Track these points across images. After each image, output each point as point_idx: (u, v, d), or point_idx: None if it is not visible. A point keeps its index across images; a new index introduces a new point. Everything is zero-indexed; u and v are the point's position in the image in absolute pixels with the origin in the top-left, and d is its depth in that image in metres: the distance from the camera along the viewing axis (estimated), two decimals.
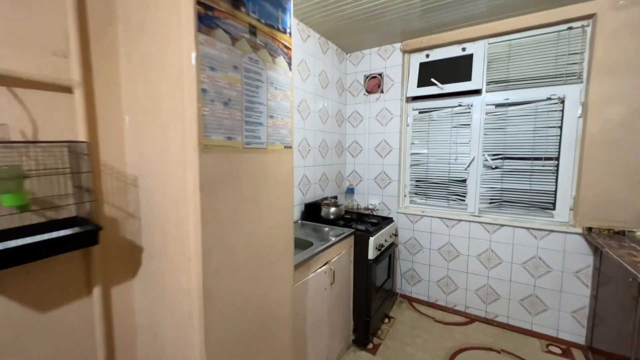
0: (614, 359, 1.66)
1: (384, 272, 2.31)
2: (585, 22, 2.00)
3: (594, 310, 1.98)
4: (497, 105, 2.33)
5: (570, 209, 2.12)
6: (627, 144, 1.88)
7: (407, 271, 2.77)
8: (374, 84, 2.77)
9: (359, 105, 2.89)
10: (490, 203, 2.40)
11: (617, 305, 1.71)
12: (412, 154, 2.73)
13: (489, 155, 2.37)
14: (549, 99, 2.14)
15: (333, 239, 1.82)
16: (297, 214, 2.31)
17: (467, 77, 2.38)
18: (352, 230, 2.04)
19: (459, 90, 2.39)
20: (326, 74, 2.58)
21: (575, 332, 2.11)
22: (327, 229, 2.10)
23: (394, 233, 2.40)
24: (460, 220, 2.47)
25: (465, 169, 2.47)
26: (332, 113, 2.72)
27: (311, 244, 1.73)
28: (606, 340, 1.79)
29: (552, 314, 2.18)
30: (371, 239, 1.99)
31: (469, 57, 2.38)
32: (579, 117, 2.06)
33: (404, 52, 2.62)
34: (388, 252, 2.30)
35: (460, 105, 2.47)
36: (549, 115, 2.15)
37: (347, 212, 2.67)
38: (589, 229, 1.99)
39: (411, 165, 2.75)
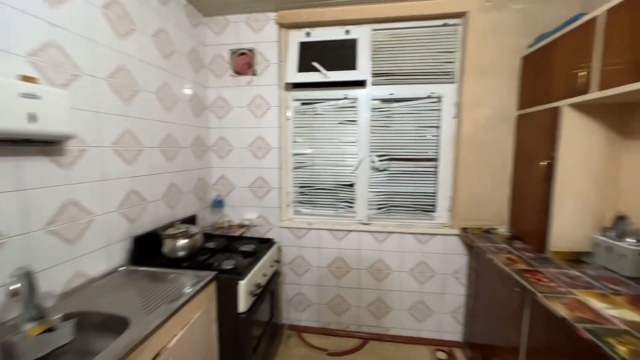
0: (486, 349, 1.66)
1: (265, 312, 1.72)
2: (458, 20, 1.97)
3: (469, 307, 2.02)
4: (383, 101, 2.10)
5: (448, 210, 2.11)
6: (490, 146, 1.94)
7: (295, 296, 2.29)
8: (244, 62, 2.11)
9: (225, 89, 2.16)
10: (379, 209, 2.18)
11: (487, 298, 1.71)
12: (295, 154, 2.24)
13: (376, 155, 2.13)
14: (429, 97, 2.04)
15: (177, 303, 1.08)
16: (120, 255, 1.41)
17: (353, 65, 2.05)
18: (212, 274, 1.34)
19: (344, 79, 2.03)
20: (169, 36, 1.73)
21: (454, 330, 2.13)
22: (172, 275, 1.33)
23: (276, 259, 1.85)
24: (350, 231, 2.16)
25: (354, 172, 2.16)
26: (184, 97, 1.90)
27: (126, 324, 0.95)
28: (479, 333, 1.81)
29: (436, 318, 2.14)
30: (241, 284, 1.35)
31: (354, 43, 2.06)
32: (454, 117, 2.03)
33: (281, 25, 2.07)
34: (269, 288, 1.72)
35: (346, 98, 2.13)
36: (429, 115, 2.06)
37: (210, 236, 1.93)
38: (464, 229, 2.00)
39: (294, 168, 2.26)
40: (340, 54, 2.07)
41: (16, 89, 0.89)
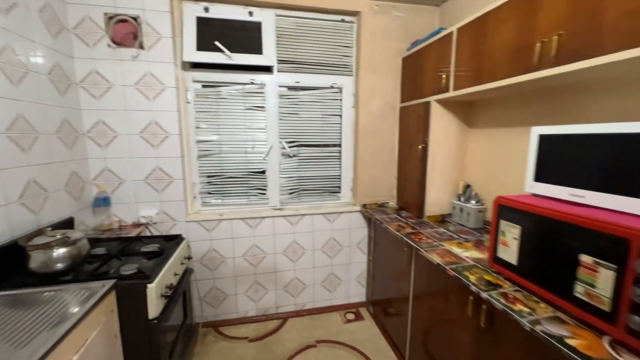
0: (384, 302, 2.03)
1: (178, 314, 1.58)
2: (353, 19, 2.17)
3: (370, 270, 2.37)
4: (290, 88, 2.15)
5: (351, 190, 2.38)
6: (382, 133, 2.28)
7: (209, 292, 2.17)
8: (126, 32, 1.77)
9: (101, 62, 1.77)
10: (291, 193, 2.27)
11: (383, 261, 2.07)
12: (200, 141, 2.07)
13: (286, 142, 2.18)
14: (332, 87, 2.21)
15: (63, 326, 0.89)
16: None
17: (259, 50, 2.00)
18: (109, 283, 1.14)
19: (250, 63, 1.97)
20: None
21: (359, 293, 2.47)
22: (49, 293, 1.06)
23: (187, 256, 1.70)
24: (263, 218, 2.17)
25: (264, 159, 2.16)
26: (39, 67, 1.46)
27: None
28: (379, 291, 2.18)
29: (344, 285, 2.43)
30: (150, 288, 1.20)
31: (258, 26, 2.00)
32: (353, 107, 2.27)
33: None
34: (182, 288, 1.59)
35: (252, 83, 2.07)
36: (333, 104, 2.23)
37: (98, 241, 1.61)
38: (364, 206, 2.31)
39: (199, 156, 2.08)
40: (244, 37, 1.99)
41: None
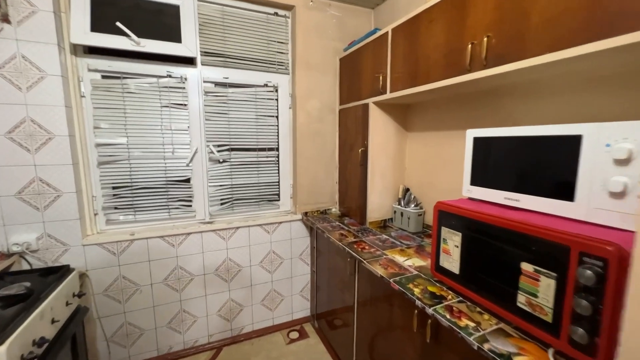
0: (329, 314, 1.91)
1: None
2: (287, 12, 2.02)
3: (314, 282, 2.23)
4: (217, 84, 1.89)
5: (291, 197, 2.21)
6: (322, 136, 2.16)
7: (118, 330, 1.76)
8: None
9: None
10: (222, 204, 1.99)
11: (327, 271, 1.95)
12: (100, 144, 1.67)
13: (214, 146, 1.91)
14: (266, 85, 2.01)
15: None
16: None
17: (176, 37, 1.71)
18: None
19: (164, 52, 1.66)
20: None
21: (303, 307, 2.30)
22: None
23: (78, 292, 1.31)
24: (189, 234, 1.86)
25: (188, 165, 1.86)
26: None
27: None
28: (323, 303, 2.04)
29: (287, 301, 2.24)
30: None
31: (175, 10, 1.71)
32: (290, 108, 2.11)
33: None
34: (67, 335, 1.20)
35: (170, 77, 1.76)
36: (268, 104, 2.04)
37: None
38: (305, 214, 2.15)
39: (100, 163, 1.68)
40: (159, 22, 1.67)
41: None
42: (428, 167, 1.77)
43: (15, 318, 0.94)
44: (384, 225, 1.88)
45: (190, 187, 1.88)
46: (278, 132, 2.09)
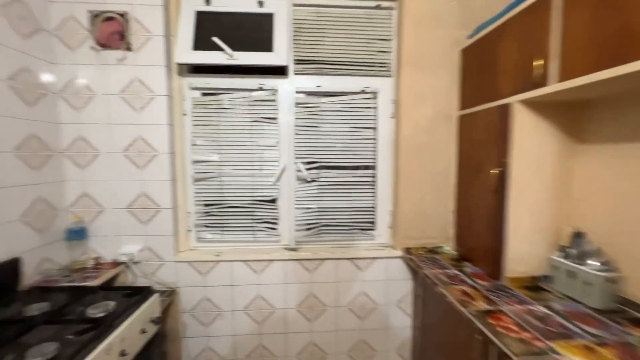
0: None
1: None
2: (392, 4, 1.67)
3: (416, 342, 1.70)
4: (309, 94, 1.68)
5: (390, 227, 1.78)
6: (432, 151, 1.67)
7: (201, 353, 1.69)
8: (112, 31, 1.47)
9: (84, 68, 1.49)
10: (309, 229, 1.74)
11: (437, 332, 1.40)
12: (196, 161, 1.67)
13: (302, 163, 1.69)
14: (364, 92, 1.69)
15: None
16: None
17: (269, 47, 1.59)
18: None
19: (258, 63, 1.56)
20: None
21: None
22: None
23: (155, 318, 1.24)
24: (271, 261, 1.66)
25: (275, 184, 1.69)
26: None
27: None
28: None
29: (380, 358, 1.78)
30: None
31: (269, 19, 1.60)
32: (392, 117, 1.72)
33: None
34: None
35: (262, 89, 1.65)
36: (365, 113, 1.71)
37: (46, 291, 1.23)
38: (408, 250, 1.68)
39: (195, 180, 1.68)
40: (252, 32, 1.60)
41: None
42: (623, 200, 1.06)
43: (76, 354, 0.85)
44: (534, 286, 1.23)
45: (276, 209, 1.70)
46: (376, 147, 1.72)
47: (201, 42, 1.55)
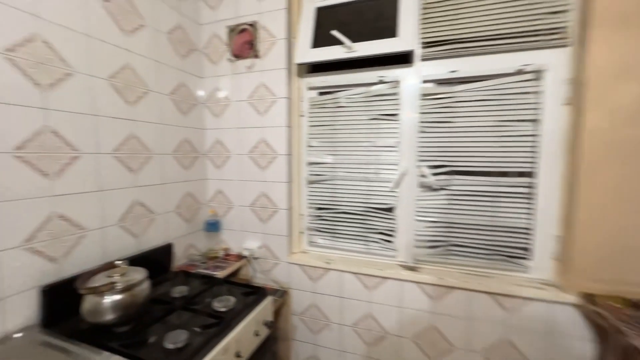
0: None
1: None
2: None
3: None
4: (440, 83, 1.38)
5: (556, 260, 1.27)
6: None
7: None
8: (243, 41, 1.59)
9: (222, 79, 1.67)
10: (433, 247, 1.43)
11: None
12: (311, 163, 1.63)
13: (428, 167, 1.40)
14: (520, 72, 1.26)
15: None
16: (24, 311, 0.95)
17: (391, 32, 1.38)
18: None
19: (379, 52, 1.37)
20: (133, 5, 1.29)
21: None
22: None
23: (268, 321, 1.23)
24: (386, 278, 1.45)
25: (393, 190, 1.46)
26: (162, 86, 1.44)
27: None
28: None
29: None
30: None
31: (393, 1, 1.39)
32: (567, 104, 1.21)
33: None
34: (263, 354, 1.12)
35: (382, 82, 1.45)
36: (518, 101, 1.26)
37: (187, 276, 1.41)
38: (590, 298, 1.14)
39: (309, 182, 1.65)
40: (372, 20, 1.42)
41: None
42: None
43: (200, 349, 0.88)
44: None
45: (393, 219, 1.48)
46: (536, 147, 1.25)
47: (320, 39, 1.49)
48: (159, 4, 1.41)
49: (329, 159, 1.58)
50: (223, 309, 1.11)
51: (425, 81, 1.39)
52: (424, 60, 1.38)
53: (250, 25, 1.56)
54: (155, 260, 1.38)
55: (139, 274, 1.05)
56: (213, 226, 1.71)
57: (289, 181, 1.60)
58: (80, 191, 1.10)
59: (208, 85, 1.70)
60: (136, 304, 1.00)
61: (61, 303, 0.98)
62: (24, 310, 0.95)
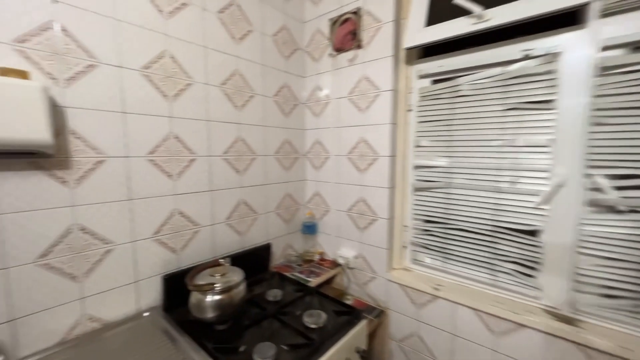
0: None
1: None
2: None
3: None
4: (626, 46, 0.89)
5: None
6: None
7: None
8: (346, 32, 1.45)
9: (323, 76, 1.59)
10: (610, 297, 0.96)
11: None
12: (419, 166, 1.37)
13: (605, 177, 0.94)
14: None
15: None
16: (151, 294, 1.10)
17: None
18: None
19: (524, 16, 0.99)
20: (243, 12, 1.33)
21: None
22: (180, 353, 0.87)
23: (361, 351, 1.07)
24: (522, 326, 1.06)
25: (540, 207, 1.05)
26: (266, 89, 1.46)
27: None
28: None
29: None
30: None
31: None
32: None
33: None
34: None
35: (528, 57, 1.06)
36: None
37: (283, 280, 1.39)
38: None
39: (416, 190, 1.39)
40: None
41: None
42: None
43: None
44: None
45: (537, 246, 1.07)
46: None
47: (435, 14, 1.21)
48: (266, 8, 1.42)
49: (442, 161, 1.28)
50: (313, 326, 1.01)
51: (605, 48, 0.92)
52: (605, 15, 0.92)
53: (354, 13, 1.41)
54: (256, 259, 1.42)
55: (237, 276, 1.06)
56: (310, 228, 1.68)
57: (392, 187, 1.38)
58: (195, 190, 1.21)
59: (309, 84, 1.66)
60: (233, 304, 1.01)
61: (176, 291, 1.08)
62: (152, 293, 1.10)
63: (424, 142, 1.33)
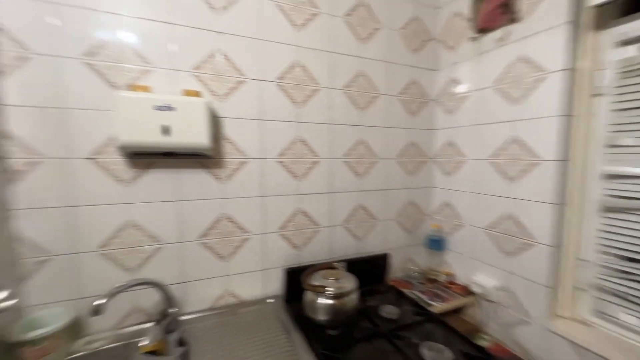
0: None
1: None
2: None
3: None
4: None
5: None
6: None
7: None
8: (495, 6, 1.17)
9: (460, 66, 1.35)
10: None
11: None
12: (612, 176, 0.93)
13: None
14: None
15: None
16: (274, 284, 1.21)
17: None
18: None
19: None
20: (371, 11, 1.29)
21: None
22: (294, 349, 0.90)
23: None
24: None
25: None
26: (390, 88, 1.37)
27: None
28: None
29: None
30: None
31: None
32: None
33: None
34: None
35: None
36: None
37: (401, 297, 1.25)
38: None
39: (607, 210, 0.95)
40: None
41: (151, 102, 0.88)
42: None
43: None
44: None
45: None
46: None
47: None
48: (395, 1, 1.33)
49: None
50: None
51: None
52: None
53: None
54: (372, 267, 1.35)
55: (350, 283, 1.02)
56: (436, 243, 1.45)
57: (561, 203, 1.00)
58: (317, 192, 1.25)
59: (441, 77, 1.44)
60: (344, 312, 0.98)
61: (296, 286, 1.14)
62: (275, 283, 1.21)
63: (625, 141, 0.89)
